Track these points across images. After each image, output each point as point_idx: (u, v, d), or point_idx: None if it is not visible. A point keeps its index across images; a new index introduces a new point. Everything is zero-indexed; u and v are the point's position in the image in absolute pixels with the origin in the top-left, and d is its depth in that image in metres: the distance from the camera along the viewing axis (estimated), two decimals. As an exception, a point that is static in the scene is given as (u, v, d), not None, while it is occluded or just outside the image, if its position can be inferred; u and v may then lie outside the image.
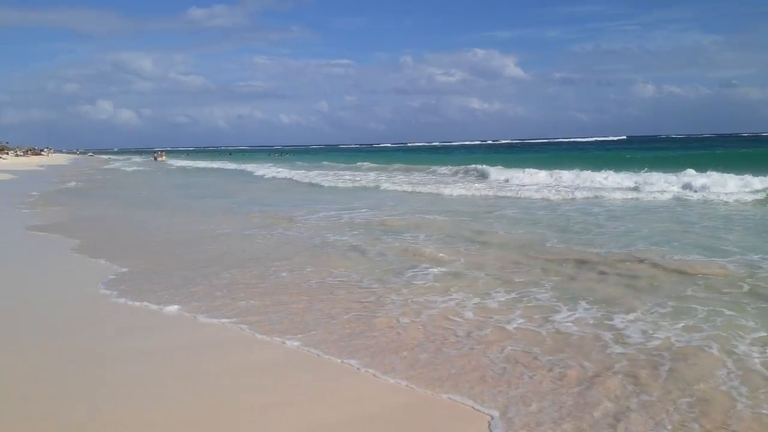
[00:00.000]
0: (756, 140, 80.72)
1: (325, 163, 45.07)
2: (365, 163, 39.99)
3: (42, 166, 52.92)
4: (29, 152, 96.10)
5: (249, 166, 41.03)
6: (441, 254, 7.62)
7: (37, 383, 3.77)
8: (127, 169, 47.87)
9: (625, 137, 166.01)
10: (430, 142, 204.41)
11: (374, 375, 3.93)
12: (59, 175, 35.92)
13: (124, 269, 7.03)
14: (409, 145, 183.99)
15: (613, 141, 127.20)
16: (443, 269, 6.81)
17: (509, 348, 4.37)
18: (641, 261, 6.94)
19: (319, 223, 10.95)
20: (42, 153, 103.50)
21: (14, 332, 4.85)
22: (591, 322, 4.92)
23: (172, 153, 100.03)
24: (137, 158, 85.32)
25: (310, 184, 23.82)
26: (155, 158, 77.51)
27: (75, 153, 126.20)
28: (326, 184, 22.92)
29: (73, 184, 26.96)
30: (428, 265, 7.04)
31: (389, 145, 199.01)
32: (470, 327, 4.85)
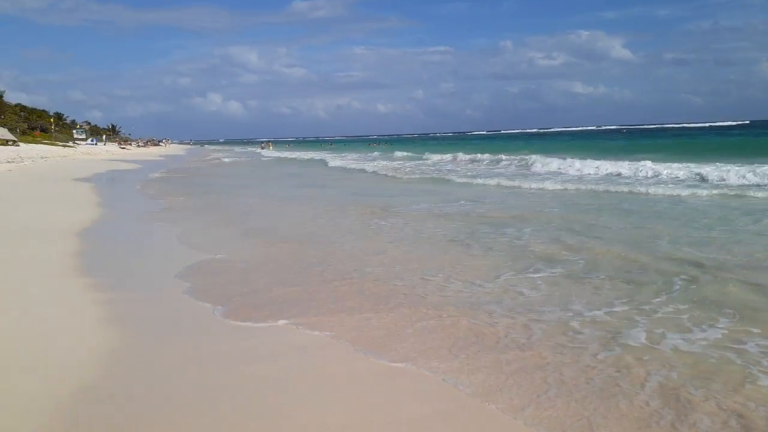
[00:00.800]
0: None
1: (427, 154, 43.04)
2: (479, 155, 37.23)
3: (162, 156, 57.38)
4: (149, 143, 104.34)
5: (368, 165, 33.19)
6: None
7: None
8: (242, 160, 48.25)
9: (748, 122, 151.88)
10: (524, 130, 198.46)
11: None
12: (184, 171, 38.49)
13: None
14: (502, 132, 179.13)
15: (732, 126, 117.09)
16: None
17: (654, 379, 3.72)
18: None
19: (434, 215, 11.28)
20: (160, 144, 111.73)
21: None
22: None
23: (275, 144, 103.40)
24: (240, 149, 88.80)
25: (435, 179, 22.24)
26: (262, 148, 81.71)
27: (189, 144, 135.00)
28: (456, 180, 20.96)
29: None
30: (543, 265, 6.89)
31: (484, 132, 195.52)
32: (596, 347, 4.26)
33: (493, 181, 19.43)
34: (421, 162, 34.77)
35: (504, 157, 30.64)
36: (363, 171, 28.33)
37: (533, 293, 5.67)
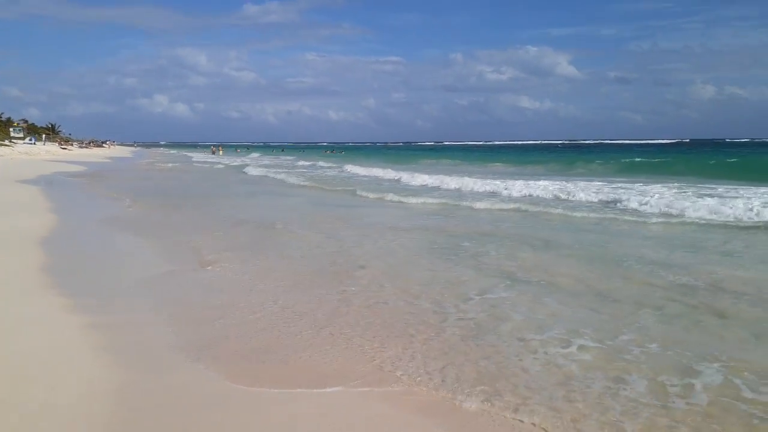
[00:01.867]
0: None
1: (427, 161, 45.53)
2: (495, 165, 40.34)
3: (108, 158, 55.03)
4: (91, 144, 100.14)
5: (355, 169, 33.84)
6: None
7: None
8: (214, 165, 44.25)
9: (688, 140, 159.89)
10: (472, 141, 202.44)
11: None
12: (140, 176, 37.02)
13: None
14: (445, 143, 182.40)
15: (666, 144, 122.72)
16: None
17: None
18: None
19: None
20: (103, 145, 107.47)
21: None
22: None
23: (225, 148, 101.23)
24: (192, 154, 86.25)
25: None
26: (213, 152, 79.83)
27: (133, 146, 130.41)
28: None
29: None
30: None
31: (432, 143, 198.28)
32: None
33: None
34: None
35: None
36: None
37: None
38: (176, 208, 14.25)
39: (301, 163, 46.81)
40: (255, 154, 76.21)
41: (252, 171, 35.20)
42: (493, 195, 17.75)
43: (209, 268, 7.40)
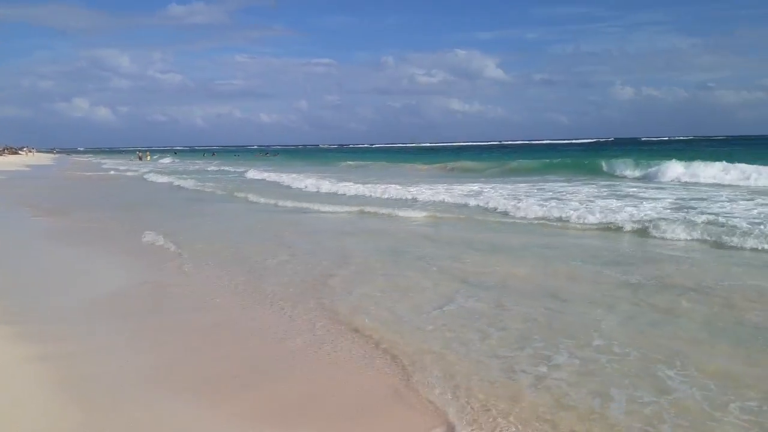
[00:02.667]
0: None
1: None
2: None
3: (27, 166, 51.66)
4: (6, 151, 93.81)
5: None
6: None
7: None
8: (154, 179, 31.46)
9: (612, 139, 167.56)
10: (406, 143, 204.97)
11: None
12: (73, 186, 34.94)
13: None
14: (375, 146, 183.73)
15: (585, 144, 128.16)
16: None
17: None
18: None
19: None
20: (20, 152, 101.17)
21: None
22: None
23: (152, 153, 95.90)
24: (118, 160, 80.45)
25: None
26: (140, 158, 75.30)
27: (53, 152, 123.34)
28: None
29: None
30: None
31: (366, 145, 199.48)
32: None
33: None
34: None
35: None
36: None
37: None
38: (113, 218, 13.51)
39: (214, 168, 42.60)
40: (167, 160, 70.64)
41: (155, 178, 31.89)
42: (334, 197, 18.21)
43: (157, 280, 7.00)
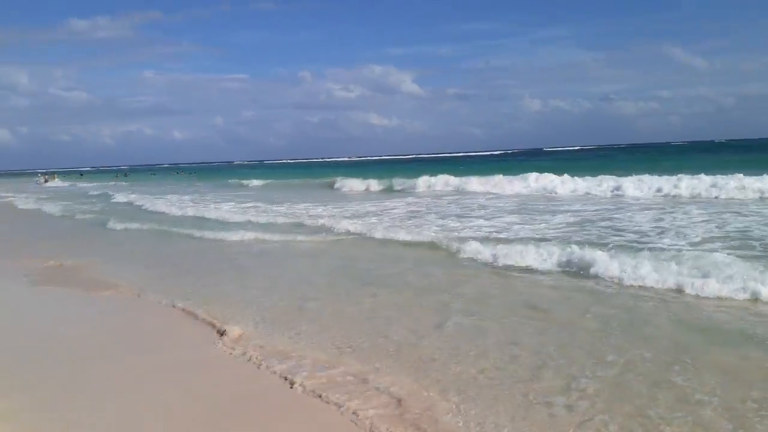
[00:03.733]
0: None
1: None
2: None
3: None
4: None
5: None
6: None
7: None
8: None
9: (529, 149, 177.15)
10: (327, 158, 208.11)
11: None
12: None
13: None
14: (288, 161, 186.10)
15: (491, 155, 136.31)
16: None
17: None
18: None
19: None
20: None
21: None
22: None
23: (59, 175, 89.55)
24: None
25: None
26: (45, 180, 71.83)
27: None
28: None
29: None
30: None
31: (285, 161, 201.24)
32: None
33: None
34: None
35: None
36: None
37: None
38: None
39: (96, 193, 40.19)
40: (65, 183, 66.14)
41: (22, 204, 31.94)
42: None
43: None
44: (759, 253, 9.00)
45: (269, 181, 47.09)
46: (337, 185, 35.98)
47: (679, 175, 20.72)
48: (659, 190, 20.18)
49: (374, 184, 33.60)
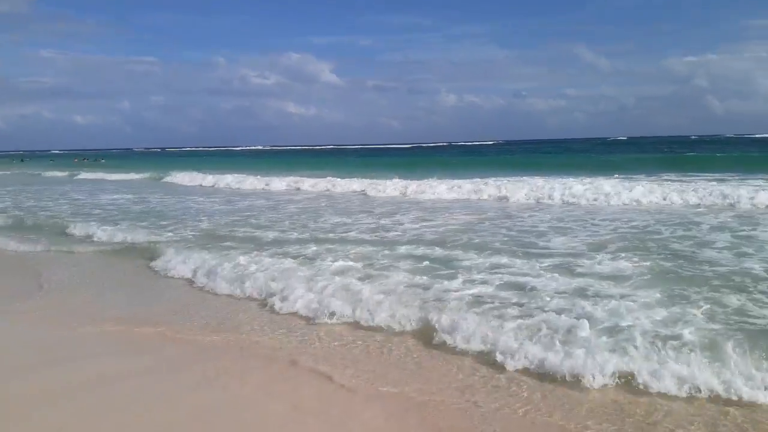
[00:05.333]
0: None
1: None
2: None
3: None
4: None
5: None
6: None
7: None
8: None
9: (446, 144, 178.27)
10: (242, 146, 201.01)
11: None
12: None
13: None
14: (196, 148, 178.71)
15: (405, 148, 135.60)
16: None
17: None
18: None
19: None
20: None
21: None
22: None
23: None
24: None
25: None
26: None
27: None
28: None
29: None
30: None
31: (193, 148, 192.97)
32: None
33: None
34: None
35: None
36: None
37: None
38: None
39: None
40: None
41: None
42: None
43: None
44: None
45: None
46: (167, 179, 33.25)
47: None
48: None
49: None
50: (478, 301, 6.34)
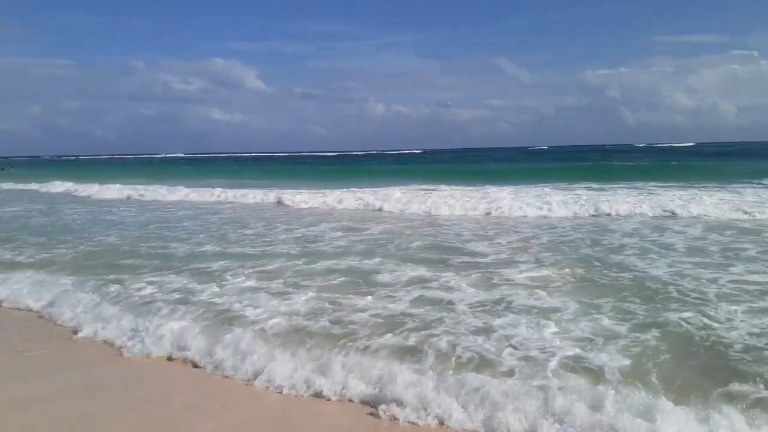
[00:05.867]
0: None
1: None
2: None
3: None
4: None
5: None
6: None
7: None
8: None
9: (419, 151, 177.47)
10: (166, 154, 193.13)
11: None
12: None
13: None
14: (130, 156, 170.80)
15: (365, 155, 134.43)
16: None
17: None
18: None
19: None
20: None
21: None
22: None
23: None
24: None
25: None
26: None
27: None
28: None
29: None
30: None
31: (115, 156, 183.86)
32: None
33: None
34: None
35: None
36: None
37: None
38: None
39: None
40: None
41: None
42: None
43: None
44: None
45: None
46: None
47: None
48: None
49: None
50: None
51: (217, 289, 7.45)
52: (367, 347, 5.22)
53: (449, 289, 7.23)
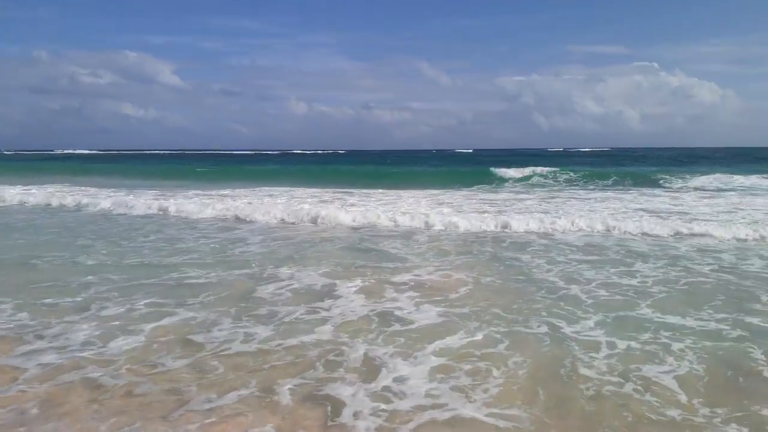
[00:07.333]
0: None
1: None
2: None
3: None
4: None
5: None
6: None
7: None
8: None
9: (325, 151, 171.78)
10: (72, 150, 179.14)
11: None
12: None
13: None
14: (30, 152, 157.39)
15: (272, 155, 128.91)
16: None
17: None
18: None
19: None
20: None
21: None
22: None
23: None
24: None
25: None
26: None
27: None
28: None
29: None
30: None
31: (9, 152, 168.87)
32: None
33: None
34: None
35: None
36: None
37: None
38: None
39: None
40: None
41: None
42: None
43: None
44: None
45: None
46: None
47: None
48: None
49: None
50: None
51: None
52: None
53: None
